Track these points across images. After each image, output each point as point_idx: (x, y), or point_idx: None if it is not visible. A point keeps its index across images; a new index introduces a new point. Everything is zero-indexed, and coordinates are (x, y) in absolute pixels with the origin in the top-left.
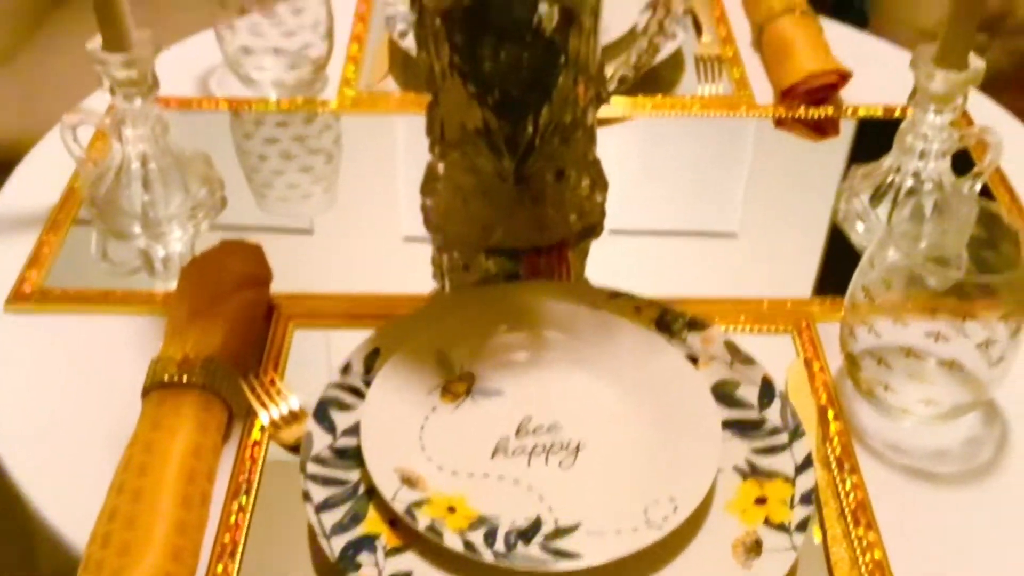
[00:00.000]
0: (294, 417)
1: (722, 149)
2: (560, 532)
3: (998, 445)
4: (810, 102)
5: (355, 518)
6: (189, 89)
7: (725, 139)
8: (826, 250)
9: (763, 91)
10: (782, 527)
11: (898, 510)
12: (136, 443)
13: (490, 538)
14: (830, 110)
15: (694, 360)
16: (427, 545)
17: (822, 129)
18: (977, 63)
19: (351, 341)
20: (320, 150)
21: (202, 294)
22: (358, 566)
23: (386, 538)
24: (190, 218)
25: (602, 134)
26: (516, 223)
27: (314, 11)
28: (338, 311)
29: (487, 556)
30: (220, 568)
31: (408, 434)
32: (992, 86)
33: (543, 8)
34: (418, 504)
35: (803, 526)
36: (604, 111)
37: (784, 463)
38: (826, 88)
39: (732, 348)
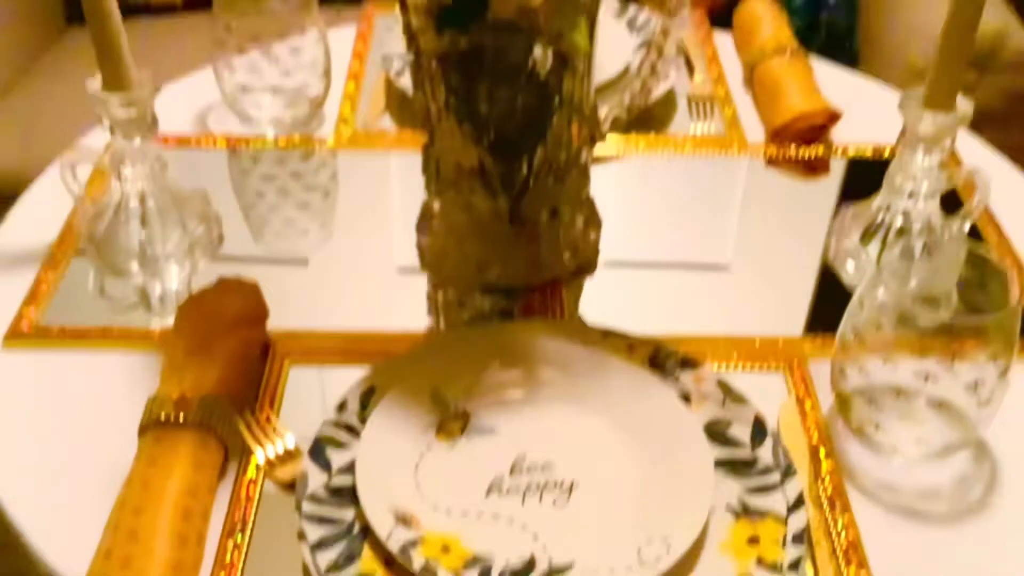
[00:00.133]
0: (289, 455)
1: (714, 187)
2: (554, 571)
3: (988, 484)
4: (801, 141)
5: (350, 557)
6: (187, 126)
7: (717, 177)
8: (817, 288)
9: (754, 130)
10: (774, 567)
11: (889, 549)
12: (132, 481)
13: None
14: (820, 149)
15: (687, 398)
16: None
17: (813, 168)
18: (965, 105)
19: (346, 378)
20: (317, 186)
21: (199, 332)
22: None
23: None
24: (187, 255)
25: (596, 172)
26: (511, 261)
27: (312, 51)
28: (334, 349)
29: None
30: None
31: (403, 473)
32: (982, 122)
33: (538, 52)
34: (413, 543)
35: (795, 566)
36: (598, 149)
37: (776, 502)
38: (816, 128)
39: (724, 387)
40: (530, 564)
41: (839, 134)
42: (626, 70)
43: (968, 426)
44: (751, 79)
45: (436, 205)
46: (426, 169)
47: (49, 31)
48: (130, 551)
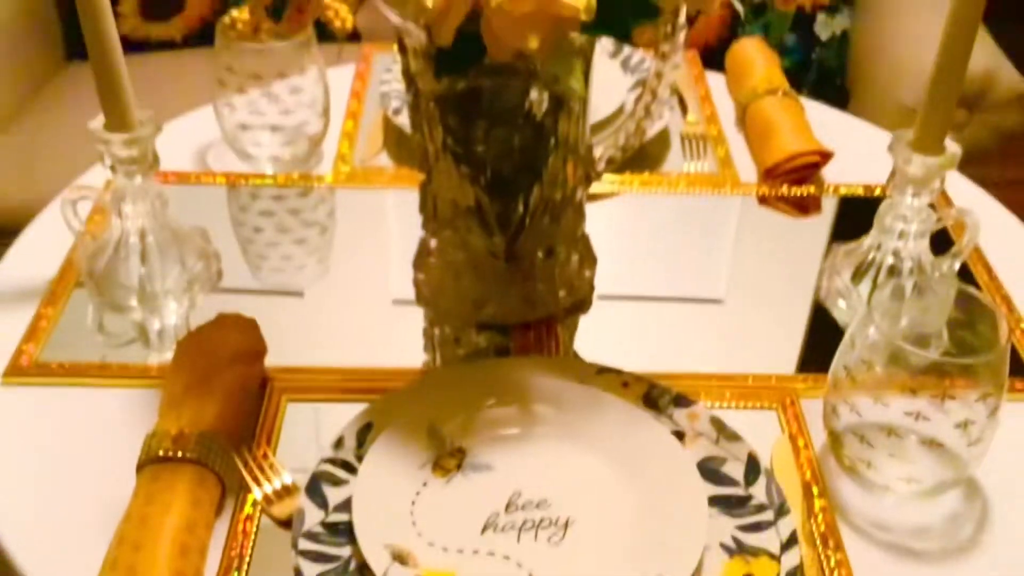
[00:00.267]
0: (286, 491)
1: (707, 226)
2: None
3: (979, 522)
4: (792, 181)
5: None
6: (187, 163)
7: (710, 216)
8: (810, 326)
9: (747, 169)
10: None
11: None
12: (130, 518)
13: None
14: (812, 188)
15: (680, 436)
16: None
17: (804, 207)
18: (954, 148)
19: (343, 415)
20: (315, 223)
21: (197, 368)
22: None
23: None
24: (186, 291)
25: (590, 210)
26: (507, 298)
27: (311, 90)
28: (331, 385)
29: None
30: None
31: (399, 509)
32: (973, 159)
33: (534, 94)
34: None
35: None
36: (592, 187)
37: (770, 540)
38: (808, 167)
39: (718, 424)
40: None
41: (830, 173)
42: (620, 109)
43: (959, 465)
44: (743, 119)
45: (433, 242)
46: (423, 207)
47: (49, 67)
48: None
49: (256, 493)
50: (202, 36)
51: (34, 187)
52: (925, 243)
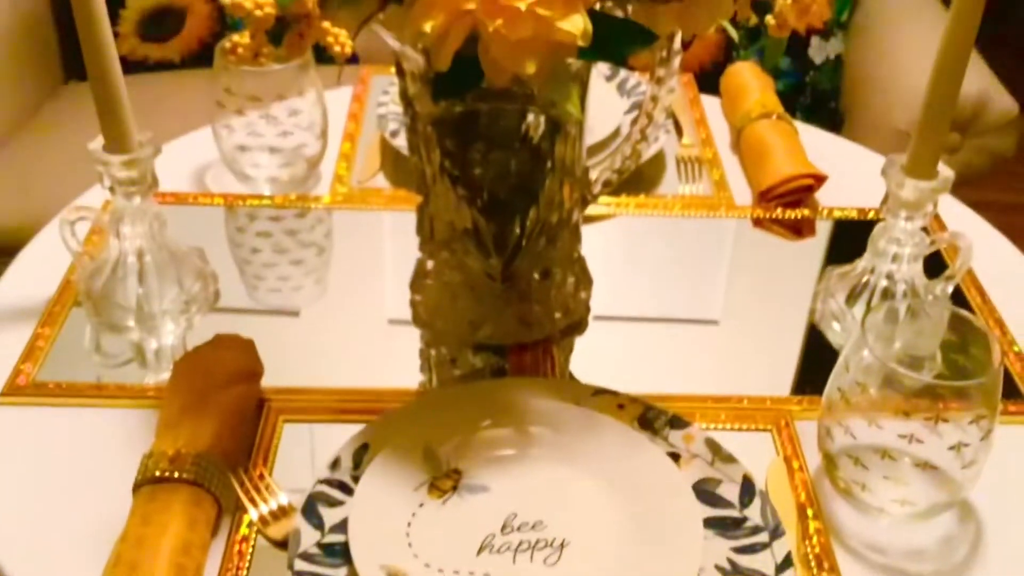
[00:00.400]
0: (283, 512)
1: (702, 248)
2: None
3: (973, 544)
4: (787, 203)
5: None
6: (185, 184)
7: (705, 238)
8: (804, 348)
9: (742, 192)
10: None
11: None
12: (127, 538)
13: None
14: (806, 211)
15: (676, 457)
16: None
17: (799, 230)
18: (946, 172)
19: (340, 435)
20: (312, 244)
21: (194, 388)
22: None
23: None
24: (183, 312)
25: (586, 231)
26: (503, 320)
27: (309, 113)
28: (327, 406)
29: None
30: None
31: (395, 530)
32: (966, 183)
33: (531, 118)
34: None
35: None
36: (588, 209)
37: (764, 562)
38: (802, 190)
39: (713, 446)
40: None
41: (824, 197)
42: (616, 132)
43: (953, 487)
44: (738, 142)
45: (430, 264)
46: (420, 229)
47: (47, 87)
48: None
49: (252, 514)
50: (200, 57)
51: (32, 207)
52: (918, 266)
